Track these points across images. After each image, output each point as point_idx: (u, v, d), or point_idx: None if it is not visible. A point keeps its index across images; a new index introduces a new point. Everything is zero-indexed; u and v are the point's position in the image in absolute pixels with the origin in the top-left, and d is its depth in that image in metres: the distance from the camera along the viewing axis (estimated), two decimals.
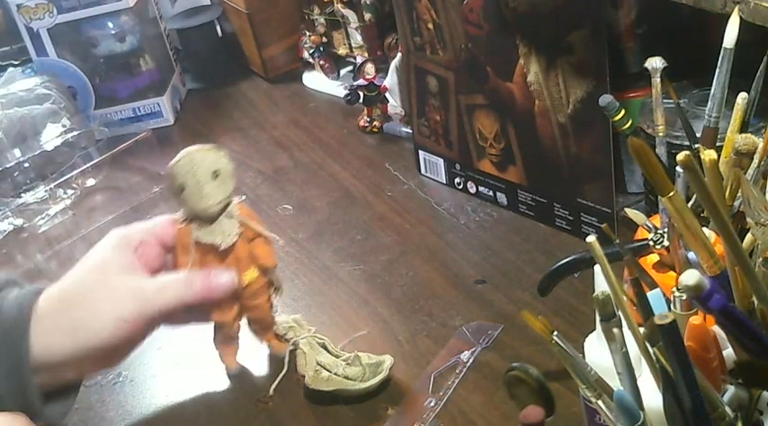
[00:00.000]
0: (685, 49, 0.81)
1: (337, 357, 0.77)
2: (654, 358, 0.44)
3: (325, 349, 0.78)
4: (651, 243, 0.65)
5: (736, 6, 0.66)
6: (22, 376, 0.68)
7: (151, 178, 1.16)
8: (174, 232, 0.74)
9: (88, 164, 1.15)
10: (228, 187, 0.73)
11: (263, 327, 0.79)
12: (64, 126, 1.17)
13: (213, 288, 0.72)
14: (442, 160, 1.01)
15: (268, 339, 0.79)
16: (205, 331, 0.84)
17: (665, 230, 0.64)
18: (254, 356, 0.81)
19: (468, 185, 0.99)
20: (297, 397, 0.75)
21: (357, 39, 1.24)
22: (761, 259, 0.49)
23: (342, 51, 1.29)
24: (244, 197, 0.77)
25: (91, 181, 1.15)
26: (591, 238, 0.46)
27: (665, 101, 0.72)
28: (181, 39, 1.44)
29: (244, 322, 0.79)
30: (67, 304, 0.70)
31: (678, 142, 0.75)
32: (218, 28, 1.45)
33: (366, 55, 1.23)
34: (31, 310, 0.69)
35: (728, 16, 0.64)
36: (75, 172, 1.14)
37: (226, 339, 0.79)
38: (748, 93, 0.64)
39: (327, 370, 0.75)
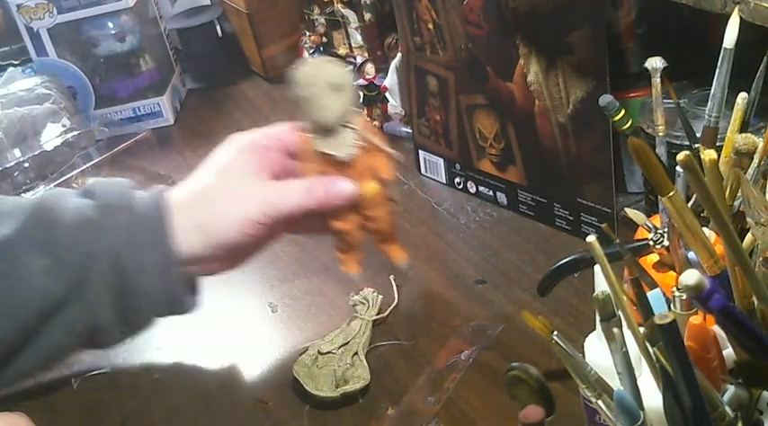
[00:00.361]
0: (685, 49, 0.81)
1: (350, 355, 0.77)
2: (654, 358, 0.44)
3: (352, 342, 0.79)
4: (651, 243, 0.65)
5: (736, 6, 0.66)
6: (170, 271, 0.72)
7: (151, 178, 1.16)
8: (297, 139, 0.75)
9: (88, 164, 1.15)
10: (349, 99, 0.73)
11: (382, 238, 0.77)
12: (64, 126, 1.17)
13: (333, 196, 0.73)
14: (441, 160, 1.01)
15: (387, 250, 0.78)
16: (206, 332, 0.85)
17: (665, 230, 0.64)
18: (253, 356, 0.81)
19: (468, 185, 0.99)
20: (296, 397, 0.75)
21: (357, 39, 1.24)
22: (761, 259, 0.49)
23: (342, 51, 1.29)
24: (364, 110, 0.78)
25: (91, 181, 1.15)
26: (591, 238, 0.46)
27: (665, 101, 0.72)
28: (181, 39, 1.44)
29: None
30: (196, 203, 0.74)
31: (678, 142, 0.75)
32: (218, 28, 1.45)
33: (366, 55, 1.23)
34: (167, 208, 0.73)
35: (728, 16, 0.64)
36: (75, 172, 1.14)
37: (346, 246, 0.77)
38: (748, 93, 0.64)
39: (325, 358, 0.76)
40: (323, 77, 0.72)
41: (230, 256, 0.75)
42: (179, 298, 0.74)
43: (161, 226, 0.73)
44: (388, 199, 0.76)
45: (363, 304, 0.81)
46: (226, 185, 0.74)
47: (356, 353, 0.76)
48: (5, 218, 0.73)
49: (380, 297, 0.81)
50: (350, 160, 0.73)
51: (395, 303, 0.83)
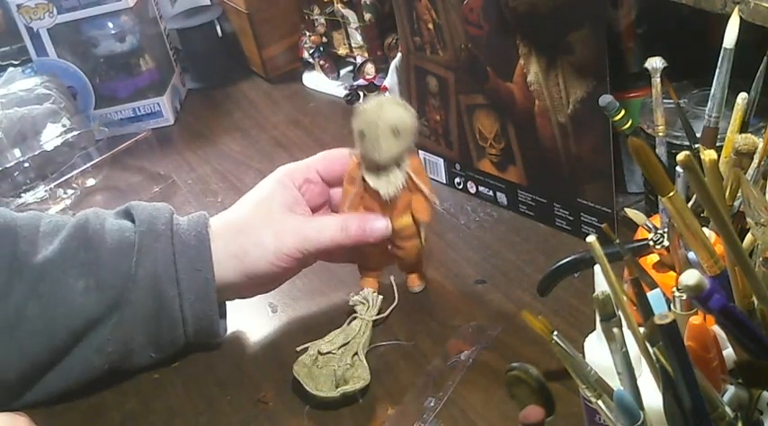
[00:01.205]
0: (685, 49, 0.81)
1: (351, 355, 0.77)
2: (654, 358, 0.44)
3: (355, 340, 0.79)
4: (651, 243, 0.65)
5: (736, 6, 0.66)
6: (207, 299, 0.77)
7: (151, 178, 1.16)
8: (339, 167, 0.81)
9: (88, 164, 1.15)
10: (405, 143, 0.76)
11: (407, 267, 0.84)
12: (64, 126, 1.17)
13: (367, 235, 0.78)
14: (441, 160, 1.01)
15: (410, 277, 0.84)
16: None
17: (665, 230, 0.64)
18: (253, 356, 0.81)
19: (468, 185, 0.99)
20: (296, 397, 0.75)
21: (357, 39, 1.24)
22: (761, 259, 0.49)
23: (342, 51, 1.29)
24: (420, 151, 0.82)
25: (91, 181, 1.15)
26: (591, 238, 0.46)
27: (665, 101, 0.72)
28: (181, 39, 1.44)
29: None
30: (236, 232, 0.78)
31: (678, 142, 0.75)
32: (218, 28, 1.45)
33: (366, 55, 1.23)
34: (207, 237, 0.77)
35: (728, 16, 0.64)
36: (75, 172, 1.14)
37: (370, 269, 0.83)
38: (748, 93, 0.64)
39: (325, 358, 0.76)
40: (385, 119, 0.75)
41: (263, 283, 0.80)
42: (213, 325, 0.79)
43: (202, 254, 0.76)
44: (419, 235, 0.81)
45: (363, 304, 0.81)
46: (263, 218, 0.78)
47: (356, 353, 0.76)
48: (47, 237, 0.76)
49: (381, 297, 0.81)
50: (393, 199, 0.78)
51: (395, 303, 0.83)
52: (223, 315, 0.82)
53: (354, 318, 0.80)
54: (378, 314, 0.80)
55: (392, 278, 0.85)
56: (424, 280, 0.85)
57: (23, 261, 0.74)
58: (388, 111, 0.76)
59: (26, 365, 0.75)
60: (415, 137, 0.78)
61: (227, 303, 0.83)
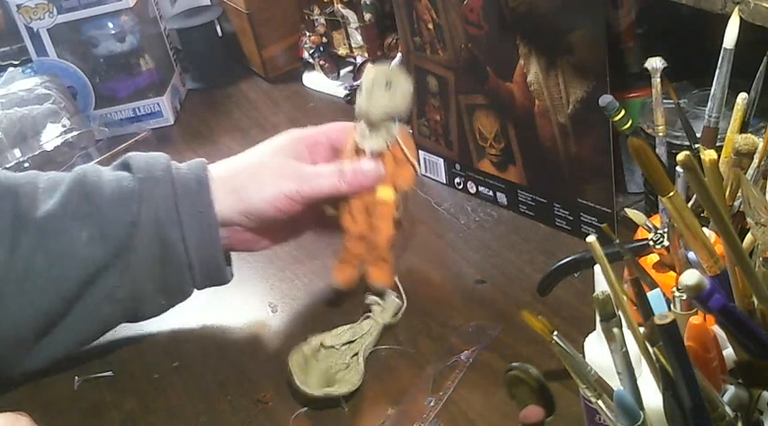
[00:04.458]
0: (685, 49, 0.81)
1: (351, 355, 0.76)
2: (654, 358, 0.44)
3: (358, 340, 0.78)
4: (651, 243, 0.65)
5: (736, 6, 0.66)
6: (212, 242, 0.77)
7: None
8: (347, 137, 0.81)
9: (88, 165, 1.15)
10: (397, 102, 0.78)
11: (373, 255, 0.81)
12: (64, 126, 1.17)
13: (362, 177, 0.79)
14: (442, 160, 1.01)
15: (373, 269, 0.81)
16: (206, 331, 0.85)
17: (665, 230, 0.64)
18: (253, 355, 0.81)
19: (468, 185, 0.99)
20: (296, 397, 0.75)
21: (357, 39, 1.24)
22: (761, 259, 0.49)
23: (342, 51, 1.29)
24: (410, 130, 0.83)
25: None
26: (591, 238, 0.46)
27: (665, 101, 0.72)
28: (181, 39, 1.44)
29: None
30: (236, 172, 0.79)
31: (678, 142, 0.75)
32: (218, 28, 1.45)
33: (366, 55, 1.23)
34: (208, 180, 0.77)
35: (728, 16, 0.64)
36: None
37: (345, 256, 0.82)
38: (748, 93, 0.64)
39: (326, 352, 0.76)
40: (379, 73, 0.78)
41: (261, 229, 0.81)
42: (219, 268, 0.79)
43: (203, 198, 0.77)
44: (395, 216, 0.81)
45: (379, 305, 0.80)
46: (267, 162, 0.79)
47: (357, 354, 0.76)
48: (46, 193, 0.77)
49: (398, 302, 0.80)
50: (377, 158, 0.79)
51: (403, 306, 0.82)
52: (228, 261, 0.82)
53: (367, 318, 0.79)
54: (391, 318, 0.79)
55: (396, 278, 0.83)
56: (393, 277, 0.82)
57: (26, 217, 0.75)
58: (388, 70, 0.79)
59: (39, 316, 0.76)
60: (407, 105, 0.79)
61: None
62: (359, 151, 0.80)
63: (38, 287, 0.75)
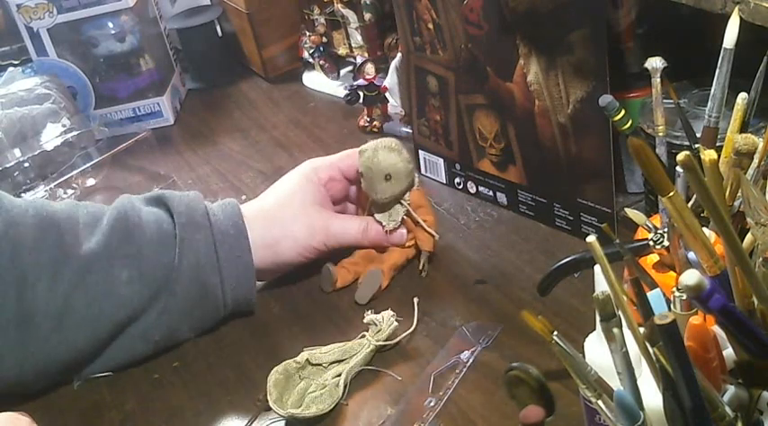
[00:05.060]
0: (685, 49, 0.81)
1: (335, 375, 0.75)
2: (654, 358, 0.44)
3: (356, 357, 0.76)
4: (651, 243, 0.65)
5: (736, 6, 0.66)
6: (248, 284, 0.83)
7: (151, 178, 1.16)
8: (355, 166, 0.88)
9: (88, 164, 1.15)
10: (400, 186, 0.85)
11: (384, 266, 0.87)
12: (64, 126, 1.17)
13: (383, 241, 0.88)
14: (442, 160, 1.01)
15: (419, 235, 0.88)
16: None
17: (665, 230, 0.64)
18: (253, 355, 0.81)
19: (468, 185, 0.99)
20: None
21: (357, 39, 1.24)
22: (761, 259, 0.49)
23: (342, 51, 1.29)
24: (417, 186, 0.88)
25: (91, 181, 1.15)
26: (591, 238, 0.46)
27: (665, 101, 0.72)
28: (181, 39, 1.44)
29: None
30: (269, 222, 0.84)
31: (678, 142, 0.75)
32: (218, 28, 1.45)
33: (366, 55, 1.23)
34: (245, 224, 0.82)
35: (728, 16, 0.64)
36: (75, 172, 1.14)
37: (343, 269, 0.87)
38: (748, 93, 0.64)
39: (312, 370, 0.76)
40: (379, 166, 0.84)
41: (283, 270, 0.87)
42: (250, 304, 0.84)
43: (241, 242, 0.82)
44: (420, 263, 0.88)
45: (375, 325, 0.78)
46: (295, 212, 0.85)
47: (339, 375, 0.74)
48: (87, 229, 0.79)
49: (396, 323, 0.78)
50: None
51: (411, 328, 0.79)
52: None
53: (363, 336, 0.78)
54: (387, 340, 0.77)
55: (415, 300, 0.82)
56: (435, 244, 0.88)
57: (69, 253, 0.76)
58: (381, 159, 0.84)
59: (72, 354, 0.78)
60: (411, 179, 0.86)
61: None
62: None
63: (75, 324, 0.76)
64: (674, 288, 0.52)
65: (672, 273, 0.65)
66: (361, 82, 1.15)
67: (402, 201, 0.86)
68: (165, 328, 0.80)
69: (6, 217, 0.75)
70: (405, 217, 0.87)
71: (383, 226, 0.87)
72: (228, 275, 0.81)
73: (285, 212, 0.85)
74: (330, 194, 0.88)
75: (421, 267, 0.87)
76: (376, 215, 0.87)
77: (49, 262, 0.75)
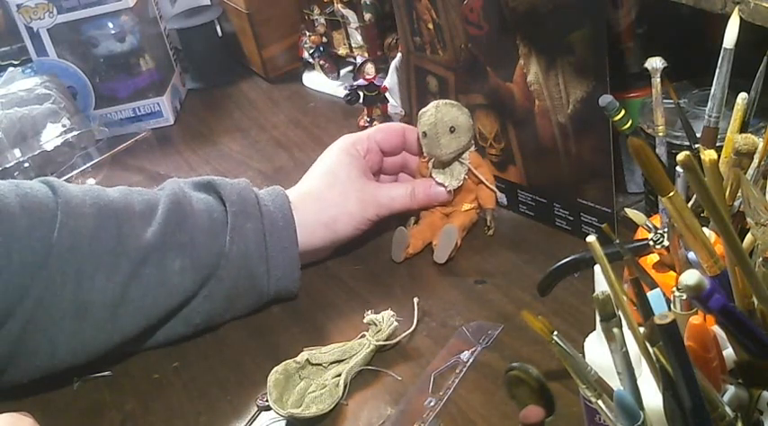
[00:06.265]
0: (685, 49, 0.81)
1: (335, 376, 0.75)
2: (654, 358, 0.44)
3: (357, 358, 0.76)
4: (651, 243, 0.65)
5: (736, 6, 0.66)
6: (293, 274, 0.84)
7: (151, 178, 1.16)
8: (395, 138, 0.92)
9: (88, 164, 1.15)
10: (463, 140, 0.88)
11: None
12: (64, 126, 1.17)
13: (432, 199, 0.90)
14: None
15: (481, 194, 0.91)
16: (205, 331, 0.84)
17: (665, 230, 0.64)
18: (253, 355, 0.81)
19: None
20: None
21: (357, 39, 1.24)
22: (761, 259, 0.49)
23: (342, 51, 1.29)
24: (474, 147, 0.91)
25: (91, 181, 1.15)
26: (591, 238, 0.46)
27: (665, 101, 0.72)
28: (181, 39, 1.44)
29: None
30: (324, 203, 0.86)
31: (678, 142, 0.75)
32: (218, 28, 1.45)
33: (366, 55, 1.23)
34: (292, 215, 0.83)
35: (728, 16, 0.64)
36: (75, 172, 1.14)
37: (412, 237, 0.89)
38: (748, 93, 0.64)
39: (312, 369, 0.76)
40: (442, 120, 0.86)
41: (338, 246, 0.89)
42: (291, 294, 0.86)
43: (289, 234, 0.83)
44: (486, 222, 0.92)
45: (375, 325, 0.78)
46: (345, 187, 0.87)
47: (339, 375, 0.74)
48: (144, 218, 0.80)
49: (396, 323, 0.78)
50: (456, 188, 0.89)
51: (411, 328, 0.79)
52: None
53: (363, 336, 0.78)
54: (387, 340, 0.77)
55: (415, 300, 0.82)
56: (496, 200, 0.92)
57: (127, 244, 0.77)
58: (445, 112, 0.87)
59: (124, 342, 0.79)
60: (472, 135, 0.88)
61: None
62: (436, 182, 0.90)
63: (129, 313, 0.77)
64: (674, 288, 0.52)
65: (672, 273, 0.65)
66: (361, 82, 1.15)
67: (461, 161, 0.89)
68: (208, 313, 0.81)
69: (66, 209, 0.76)
70: (466, 176, 0.89)
71: (445, 187, 0.89)
72: (275, 265, 0.82)
73: (334, 191, 0.86)
74: (369, 165, 0.90)
75: (488, 224, 0.91)
76: (437, 176, 0.89)
77: (107, 254, 0.76)
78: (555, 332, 0.47)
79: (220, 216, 0.82)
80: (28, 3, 1.23)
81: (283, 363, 0.75)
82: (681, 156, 0.43)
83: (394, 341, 0.78)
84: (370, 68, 1.15)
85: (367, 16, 1.20)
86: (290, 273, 0.84)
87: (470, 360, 0.75)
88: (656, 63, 0.70)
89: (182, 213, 0.80)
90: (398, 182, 0.94)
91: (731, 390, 0.48)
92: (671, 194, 0.45)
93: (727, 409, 0.46)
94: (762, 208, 0.48)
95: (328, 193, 0.86)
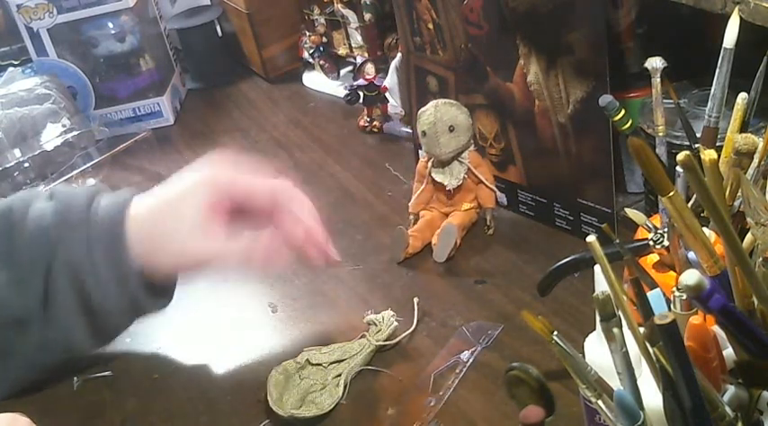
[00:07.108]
0: (685, 49, 0.81)
1: (336, 376, 0.75)
2: (654, 358, 0.44)
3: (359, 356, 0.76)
4: (651, 243, 0.65)
5: (736, 6, 0.66)
6: (128, 286, 0.75)
7: (151, 178, 1.16)
8: (261, 200, 0.78)
9: (88, 164, 1.15)
10: (462, 140, 0.88)
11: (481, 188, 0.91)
12: (64, 126, 1.17)
13: (270, 266, 0.77)
14: None
15: (481, 194, 0.92)
16: (206, 332, 0.84)
17: (665, 230, 0.64)
18: (253, 356, 0.81)
19: None
20: None
21: (357, 39, 1.24)
22: (761, 259, 0.49)
23: (342, 51, 1.29)
24: (473, 147, 0.91)
25: (91, 181, 1.15)
26: (591, 238, 0.46)
27: (665, 101, 0.72)
28: (181, 39, 1.44)
29: None
30: (150, 227, 0.75)
31: (678, 142, 0.75)
32: (218, 28, 1.45)
33: (366, 55, 1.23)
34: (124, 224, 0.74)
35: (728, 16, 0.64)
36: (75, 172, 1.14)
37: (411, 237, 0.90)
38: (748, 93, 0.64)
39: (312, 369, 0.75)
40: (441, 119, 0.87)
41: (190, 267, 0.78)
42: (142, 307, 0.78)
43: (117, 243, 0.74)
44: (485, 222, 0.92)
45: (375, 325, 0.78)
46: (178, 220, 0.75)
47: (339, 375, 0.74)
48: None
49: (396, 323, 0.78)
50: (456, 188, 0.90)
51: (411, 328, 0.80)
52: (161, 290, 0.79)
53: (363, 336, 0.78)
54: (387, 340, 0.77)
55: (415, 300, 0.82)
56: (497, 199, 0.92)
57: None
58: (444, 111, 0.87)
59: None
60: (471, 134, 0.89)
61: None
62: (433, 179, 0.90)
63: None
64: (674, 288, 0.52)
65: (672, 273, 0.65)
66: (361, 82, 1.15)
67: (461, 160, 0.89)
68: (60, 337, 0.75)
69: None
70: (465, 175, 0.89)
71: (445, 186, 0.89)
72: (105, 277, 0.74)
73: (172, 216, 0.76)
74: (218, 210, 0.77)
75: (488, 223, 0.91)
76: (436, 176, 0.90)
77: None
78: (555, 332, 0.47)
79: (47, 223, 0.74)
80: (28, 3, 1.23)
81: (283, 363, 0.75)
82: (681, 156, 0.43)
83: (394, 341, 0.78)
84: (370, 68, 1.15)
85: (367, 16, 1.20)
86: (125, 286, 0.75)
87: (470, 360, 0.75)
88: (656, 63, 0.70)
89: (14, 220, 0.75)
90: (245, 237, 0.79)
91: (731, 390, 0.48)
92: (671, 194, 0.45)
93: (727, 409, 0.46)
94: (762, 208, 0.48)
95: (166, 216, 0.76)
